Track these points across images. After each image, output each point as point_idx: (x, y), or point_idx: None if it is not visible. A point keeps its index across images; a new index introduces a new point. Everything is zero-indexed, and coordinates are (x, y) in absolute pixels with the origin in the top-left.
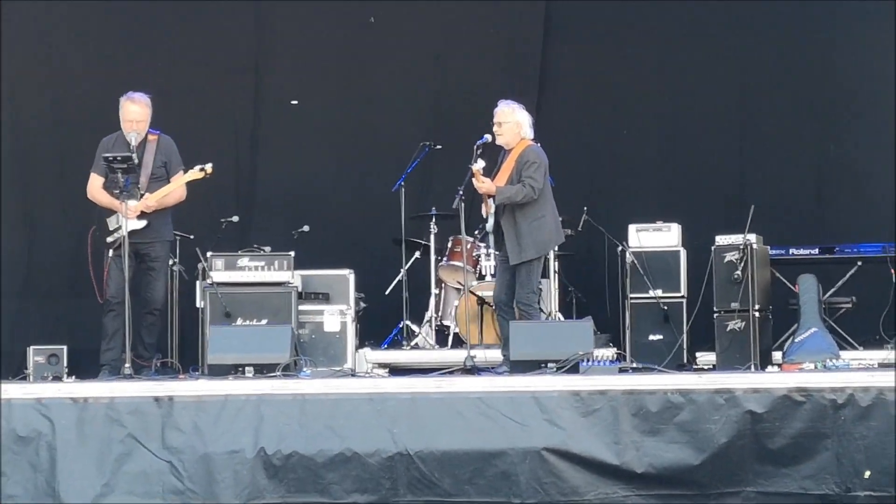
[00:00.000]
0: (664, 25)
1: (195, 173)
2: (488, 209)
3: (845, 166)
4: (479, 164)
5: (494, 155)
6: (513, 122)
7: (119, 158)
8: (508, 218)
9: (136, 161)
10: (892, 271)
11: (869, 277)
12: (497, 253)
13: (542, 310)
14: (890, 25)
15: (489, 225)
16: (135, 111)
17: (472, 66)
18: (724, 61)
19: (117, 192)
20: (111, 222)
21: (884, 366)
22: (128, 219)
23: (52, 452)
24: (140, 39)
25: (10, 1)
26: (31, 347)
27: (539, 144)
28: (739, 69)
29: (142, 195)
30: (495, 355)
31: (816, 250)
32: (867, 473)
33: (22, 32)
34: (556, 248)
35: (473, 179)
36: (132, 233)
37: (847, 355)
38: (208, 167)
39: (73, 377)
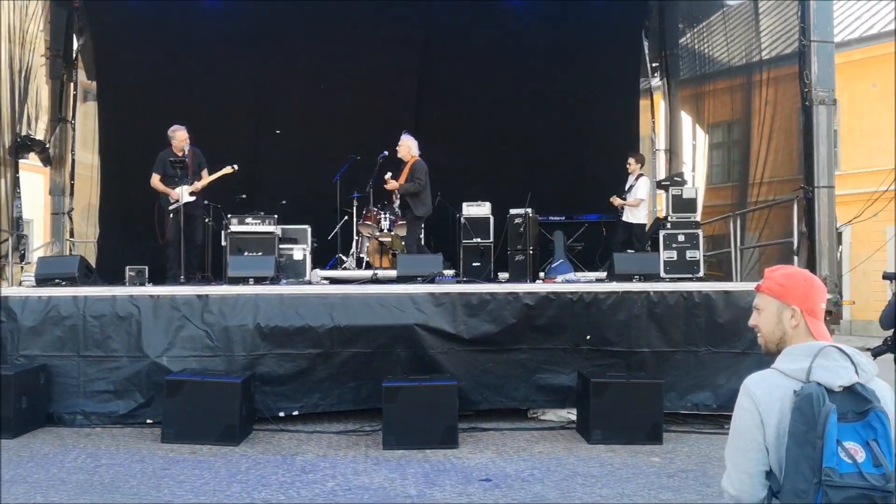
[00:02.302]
0: (484, 95)
1: (227, 170)
2: (396, 197)
3: (580, 172)
4: (388, 175)
5: (394, 165)
6: (406, 146)
7: (177, 162)
8: (406, 200)
9: (186, 163)
10: (603, 230)
11: (591, 233)
12: (403, 220)
13: (420, 247)
14: (609, 98)
15: (397, 205)
16: (184, 135)
17: (375, 115)
18: (518, 115)
19: (176, 180)
20: (171, 197)
21: (598, 280)
22: (182, 196)
23: (138, 325)
24: (190, 93)
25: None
26: (127, 267)
27: (422, 159)
28: (526, 119)
29: (190, 183)
30: (389, 273)
31: (563, 217)
32: (588, 337)
33: (127, 94)
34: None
35: (385, 185)
36: (186, 203)
37: (579, 275)
38: (235, 166)
39: (151, 283)
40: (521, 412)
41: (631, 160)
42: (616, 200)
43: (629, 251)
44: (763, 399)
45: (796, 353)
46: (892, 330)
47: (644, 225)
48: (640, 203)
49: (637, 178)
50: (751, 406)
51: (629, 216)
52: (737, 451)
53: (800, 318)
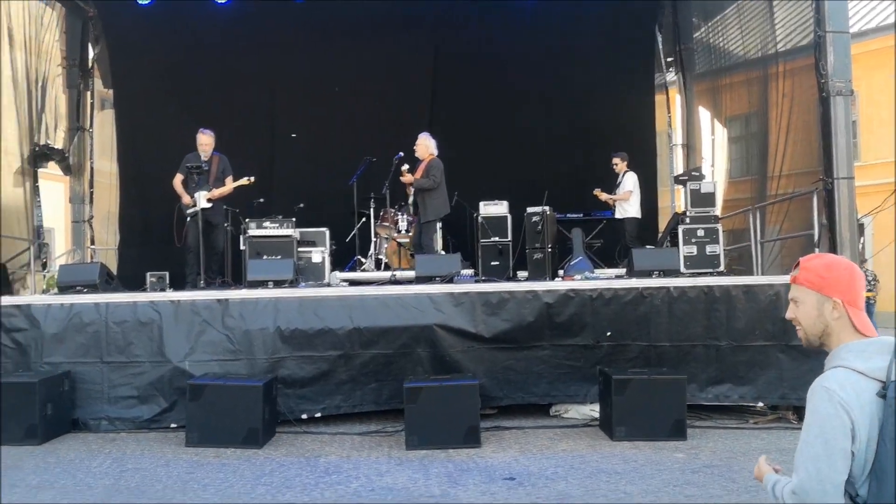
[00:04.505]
0: (496, 94)
1: (244, 181)
2: (409, 192)
3: (596, 168)
4: (405, 167)
5: (411, 165)
6: (424, 145)
7: (195, 167)
8: (420, 197)
9: (206, 169)
10: (626, 227)
11: (609, 229)
12: (415, 217)
13: (436, 249)
14: (623, 94)
15: (411, 201)
16: (204, 140)
17: (390, 116)
18: (530, 113)
19: (193, 185)
20: (184, 202)
21: (618, 276)
22: (199, 202)
23: (160, 331)
24: (205, 95)
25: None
26: (148, 273)
27: (439, 159)
28: (540, 115)
29: (210, 189)
30: (408, 274)
31: (581, 214)
32: (609, 333)
33: (143, 101)
34: (440, 218)
35: (401, 177)
36: (203, 209)
37: (598, 271)
38: (252, 178)
39: (172, 289)
40: (543, 410)
41: (616, 159)
42: (601, 195)
43: (648, 247)
44: (853, 404)
45: (866, 350)
46: None
47: (635, 219)
48: (628, 196)
49: (623, 175)
50: (840, 412)
51: (620, 212)
52: (819, 461)
53: (842, 309)
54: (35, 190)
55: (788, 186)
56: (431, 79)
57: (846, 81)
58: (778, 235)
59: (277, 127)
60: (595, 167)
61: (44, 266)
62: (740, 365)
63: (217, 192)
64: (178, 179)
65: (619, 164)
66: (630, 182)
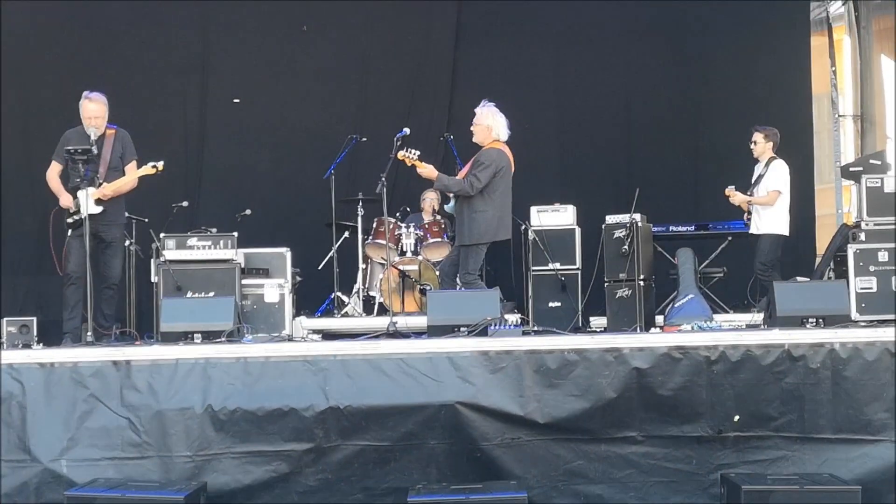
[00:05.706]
0: (561, 30)
1: (147, 169)
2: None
3: (716, 155)
4: (414, 154)
5: (416, 145)
6: (485, 127)
7: (80, 151)
8: (459, 207)
9: (96, 153)
10: (761, 248)
11: (738, 250)
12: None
13: (481, 284)
14: (757, 36)
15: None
16: (92, 109)
17: (391, 67)
18: (612, 63)
19: (78, 180)
20: (72, 206)
21: (751, 326)
22: (85, 205)
23: (22, 411)
24: (99, 40)
25: None
26: (4, 319)
27: (503, 148)
28: (626, 70)
29: (100, 184)
30: (415, 322)
31: (693, 227)
32: (736, 417)
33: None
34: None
35: (417, 168)
36: (91, 216)
37: (719, 318)
38: (160, 164)
39: (42, 345)
40: None
41: (758, 136)
42: (735, 196)
43: (799, 279)
44: None
45: None
46: None
47: (777, 237)
48: (775, 199)
49: (769, 163)
50: None
51: (755, 224)
52: None
53: None
54: None
55: None
56: (456, 13)
57: None
58: None
59: (211, 88)
60: (714, 153)
61: None
62: None
63: (111, 189)
64: (54, 171)
65: (761, 143)
66: (779, 176)
